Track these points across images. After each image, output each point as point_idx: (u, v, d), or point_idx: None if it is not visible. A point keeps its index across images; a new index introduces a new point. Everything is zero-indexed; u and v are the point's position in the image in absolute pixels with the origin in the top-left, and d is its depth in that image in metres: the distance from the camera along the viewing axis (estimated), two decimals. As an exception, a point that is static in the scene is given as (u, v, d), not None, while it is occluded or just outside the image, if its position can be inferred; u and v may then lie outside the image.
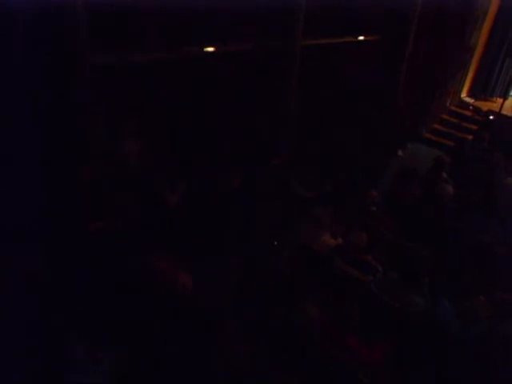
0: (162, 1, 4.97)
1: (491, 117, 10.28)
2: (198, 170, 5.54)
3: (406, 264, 4.48)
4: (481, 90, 11.50)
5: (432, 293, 4.42)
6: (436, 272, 4.56)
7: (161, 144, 5.54)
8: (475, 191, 6.26)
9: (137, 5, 4.81)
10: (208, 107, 5.98)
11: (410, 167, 6.55)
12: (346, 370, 3.84)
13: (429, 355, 3.91)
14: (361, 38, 8.33)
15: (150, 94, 5.27)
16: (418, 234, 5.21)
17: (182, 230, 4.69)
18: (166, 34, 5.28)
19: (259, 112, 6.69)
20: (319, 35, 7.28)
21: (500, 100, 10.63)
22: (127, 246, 4.28)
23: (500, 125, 9.45)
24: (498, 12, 10.65)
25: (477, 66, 11.30)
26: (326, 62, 7.77)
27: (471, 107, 11.01)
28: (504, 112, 10.17)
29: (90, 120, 4.67)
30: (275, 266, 4.60)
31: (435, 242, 5.03)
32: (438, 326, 4.13)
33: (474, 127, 10.01)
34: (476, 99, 11.39)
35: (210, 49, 5.82)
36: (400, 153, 8.36)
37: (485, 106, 11.06)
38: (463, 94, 11.47)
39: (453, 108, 11.08)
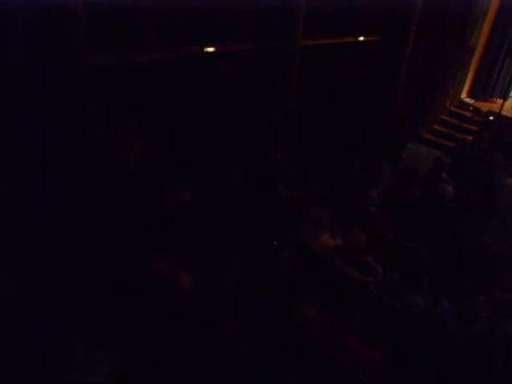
0: (162, 1, 4.97)
1: (491, 117, 10.27)
2: (197, 170, 5.54)
3: (406, 264, 4.48)
4: (481, 90, 11.49)
5: (432, 293, 4.42)
6: (436, 272, 4.56)
7: (161, 144, 5.54)
8: (475, 192, 6.26)
9: (137, 5, 4.81)
10: (208, 107, 5.98)
11: (410, 167, 6.56)
12: (345, 370, 3.84)
13: (429, 355, 3.91)
14: (361, 38, 8.33)
15: (150, 94, 5.27)
16: (418, 234, 5.21)
17: (182, 230, 4.68)
18: (166, 34, 5.28)
19: (259, 112, 6.69)
20: (319, 35, 7.28)
21: (500, 101, 10.63)
22: (127, 246, 4.28)
23: (500, 125, 9.45)
24: (497, 12, 10.64)
25: (477, 66, 11.29)
26: (325, 62, 7.77)
27: (471, 108, 11.00)
28: (504, 113, 10.17)
29: (90, 120, 4.66)
30: (275, 265, 4.60)
31: (435, 242, 5.03)
32: (438, 325, 4.13)
33: (474, 128, 10.00)
34: (476, 100, 11.38)
35: (210, 49, 5.82)
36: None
37: (485, 106, 11.05)
38: (463, 95, 11.46)
39: (453, 109, 11.06)
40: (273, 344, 3.89)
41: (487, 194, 6.08)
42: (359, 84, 8.42)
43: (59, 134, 4.43)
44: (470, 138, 9.20)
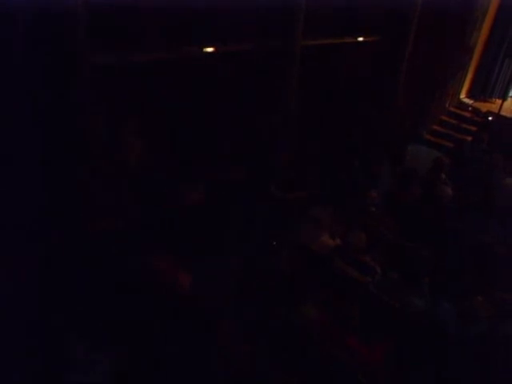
0: (162, 1, 4.97)
1: (490, 118, 10.27)
2: (197, 170, 5.55)
3: (406, 264, 4.48)
4: (480, 90, 11.49)
5: (432, 293, 4.43)
6: (436, 272, 4.56)
7: (161, 144, 5.54)
8: (474, 192, 6.27)
9: (137, 5, 4.81)
10: (208, 107, 5.98)
11: (410, 167, 6.56)
12: (345, 370, 3.84)
13: (429, 355, 3.91)
14: (361, 38, 8.33)
15: (150, 94, 5.27)
16: (418, 234, 5.22)
17: (182, 229, 4.68)
18: (166, 34, 5.28)
19: (259, 112, 6.69)
20: (319, 35, 7.28)
21: (499, 101, 10.63)
22: (127, 246, 4.28)
23: (499, 126, 9.45)
24: (497, 11, 10.63)
25: (476, 66, 11.28)
26: (325, 62, 7.77)
27: (470, 108, 10.99)
28: (503, 113, 10.17)
29: (90, 120, 4.66)
30: (275, 265, 4.60)
31: (435, 242, 5.03)
32: (438, 325, 4.13)
33: (473, 128, 9.99)
34: (475, 100, 11.38)
35: (210, 49, 5.82)
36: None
37: (484, 107, 11.05)
38: (462, 95, 11.46)
39: (452, 109, 11.06)
40: (273, 344, 3.90)
41: (486, 195, 6.08)
42: (359, 84, 8.42)
43: (59, 133, 4.42)
44: (469, 138, 9.19)
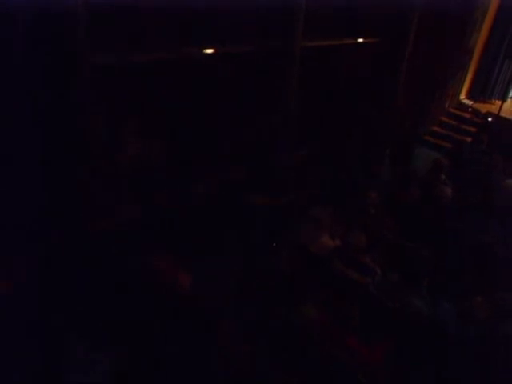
0: (163, 1, 4.97)
1: (490, 119, 10.27)
2: (198, 170, 5.55)
3: (406, 264, 4.48)
4: (480, 91, 11.49)
5: (432, 293, 4.42)
6: (436, 272, 4.56)
7: (161, 144, 5.54)
8: (474, 193, 6.27)
9: (137, 5, 4.81)
10: (208, 108, 5.98)
11: (410, 168, 6.57)
12: (345, 370, 3.84)
13: (428, 355, 3.91)
14: (361, 39, 8.33)
15: (150, 94, 5.27)
16: (418, 234, 5.22)
17: (182, 230, 4.68)
18: (166, 34, 5.28)
19: (259, 112, 6.69)
20: (319, 36, 7.29)
21: (499, 102, 10.63)
22: (127, 246, 4.28)
23: (499, 127, 9.45)
24: (497, 12, 10.62)
25: (476, 67, 11.29)
26: (325, 62, 7.77)
27: (470, 109, 10.99)
28: (503, 114, 10.16)
29: (90, 120, 4.66)
30: (275, 266, 4.60)
31: (435, 242, 5.03)
32: (438, 326, 4.13)
33: (473, 129, 9.99)
34: (475, 101, 11.38)
35: (210, 50, 5.82)
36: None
37: (483, 108, 11.05)
38: (462, 96, 11.46)
39: (451, 110, 11.06)
40: (273, 344, 3.89)
41: (486, 196, 6.08)
42: (359, 84, 8.42)
43: (59, 133, 4.42)
44: (469, 139, 9.20)
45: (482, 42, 10.93)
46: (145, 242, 4.41)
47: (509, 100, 11.33)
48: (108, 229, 4.57)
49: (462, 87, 11.26)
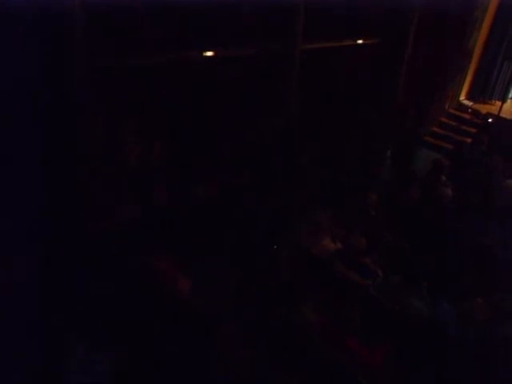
0: (163, 4, 4.97)
1: (490, 120, 10.26)
2: (198, 173, 5.55)
3: (406, 266, 4.48)
4: (479, 92, 11.47)
5: (432, 294, 4.42)
6: (436, 274, 4.56)
7: (162, 145, 5.54)
8: (474, 194, 6.27)
9: (137, 7, 4.81)
10: (209, 110, 5.98)
11: (410, 169, 6.56)
12: (345, 372, 3.83)
13: (429, 357, 3.91)
14: (360, 41, 8.33)
15: (150, 96, 5.26)
16: (418, 236, 5.21)
17: (183, 230, 4.68)
18: (167, 37, 5.27)
19: (260, 115, 6.68)
20: (319, 39, 7.28)
21: (499, 103, 10.62)
22: (127, 246, 4.28)
23: (499, 128, 9.43)
24: (496, 12, 10.61)
25: (475, 68, 11.27)
26: (325, 65, 7.77)
27: (470, 110, 10.97)
28: (503, 115, 10.15)
29: (90, 120, 4.66)
30: (275, 267, 4.60)
31: (435, 243, 5.03)
32: (438, 327, 4.13)
33: (473, 130, 9.97)
34: (475, 102, 11.35)
35: (210, 53, 5.82)
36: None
37: (483, 108, 11.03)
38: (462, 97, 11.44)
39: (451, 111, 11.04)
40: (273, 345, 3.89)
41: (486, 196, 6.08)
42: (359, 87, 8.42)
43: (59, 133, 4.42)
44: (469, 140, 9.17)
45: (482, 43, 10.92)
46: (145, 243, 4.40)
47: (509, 101, 11.30)
48: (108, 229, 4.57)
49: (461, 88, 11.24)
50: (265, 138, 6.59)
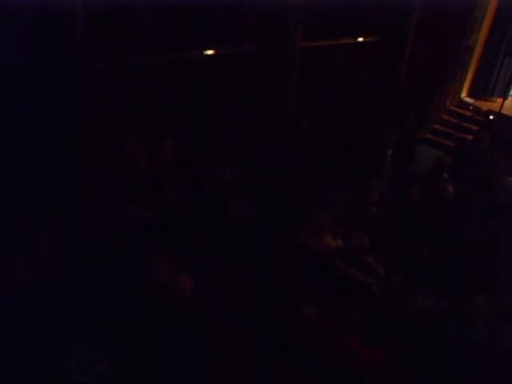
0: (163, 4, 4.96)
1: (491, 117, 10.23)
2: (198, 172, 5.55)
3: (407, 265, 4.48)
4: (481, 89, 11.45)
5: (432, 294, 4.42)
6: (436, 272, 4.56)
7: (161, 146, 5.53)
8: (475, 191, 6.26)
9: (137, 7, 4.80)
10: (208, 110, 5.97)
11: (410, 168, 6.55)
12: (346, 371, 3.83)
13: (429, 356, 3.91)
14: (360, 39, 8.31)
15: (150, 96, 5.26)
16: (419, 234, 5.21)
17: (183, 231, 4.68)
18: (167, 37, 5.27)
19: (260, 115, 6.67)
20: (319, 37, 7.27)
21: (500, 100, 10.60)
22: (127, 246, 4.28)
23: (500, 125, 9.41)
24: (497, 9, 10.59)
25: (476, 65, 11.25)
26: (325, 63, 7.76)
27: (471, 107, 10.95)
28: (504, 112, 10.12)
29: (90, 120, 4.66)
30: (276, 266, 4.59)
31: (435, 242, 5.02)
32: (438, 327, 4.13)
33: (474, 127, 9.97)
34: (476, 99, 11.33)
35: (210, 52, 5.81)
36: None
37: (485, 105, 11.01)
38: (463, 94, 11.42)
39: (453, 108, 11.02)
40: (273, 345, 3.89)
41: (487, 194, 6.07)
42: (359, 86, 8.40)
43: (59, 133, 4.43)
44: (470, 137, 9.17)
45: (483, 41, 10.89)
46: (145, 243, 4.40)
47: (510, 98, 11.27)
48: (108, 229, 4.57)
49: (462, 85, 11.22)
50: (265, 138, 6.57)
